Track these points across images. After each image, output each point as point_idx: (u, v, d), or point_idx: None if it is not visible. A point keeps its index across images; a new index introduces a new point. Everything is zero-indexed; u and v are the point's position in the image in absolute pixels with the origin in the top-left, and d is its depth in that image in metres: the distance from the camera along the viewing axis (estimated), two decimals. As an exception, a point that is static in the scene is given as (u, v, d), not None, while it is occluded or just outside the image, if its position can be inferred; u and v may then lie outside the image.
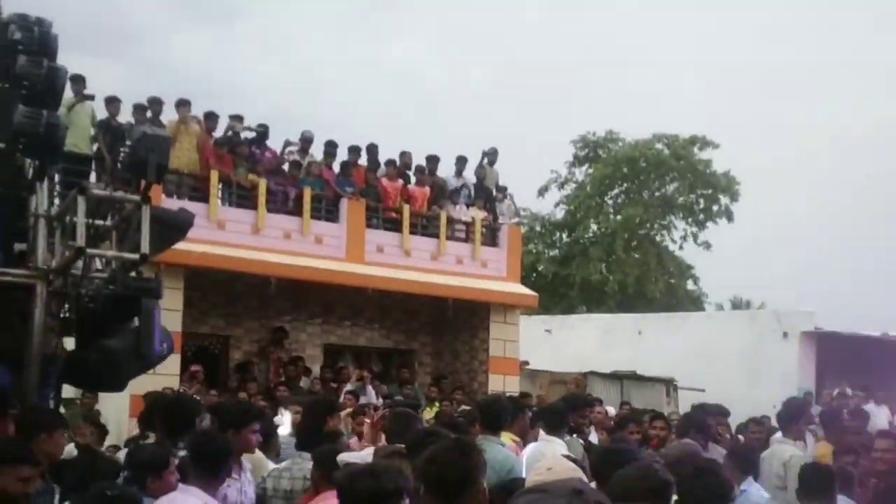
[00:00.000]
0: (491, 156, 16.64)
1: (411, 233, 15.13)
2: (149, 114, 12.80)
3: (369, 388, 13.03)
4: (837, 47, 59.07)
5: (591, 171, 34.91)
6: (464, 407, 11.14)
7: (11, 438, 4.39)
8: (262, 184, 13.61)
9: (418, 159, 15.88)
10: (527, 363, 17.65)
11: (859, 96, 57.23)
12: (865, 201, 58.59)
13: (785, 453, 6.87)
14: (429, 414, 11.71)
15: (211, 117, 13.63)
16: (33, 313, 5.83)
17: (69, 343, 6.55)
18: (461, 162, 16.25)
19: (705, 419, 7.36)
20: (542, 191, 35.09)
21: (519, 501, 1.42)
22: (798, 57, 59.03)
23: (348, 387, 12.79)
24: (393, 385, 14.47)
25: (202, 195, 13.18)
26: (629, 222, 33.08)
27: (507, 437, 6.37)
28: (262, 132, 14.27)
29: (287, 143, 14.76)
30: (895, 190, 55.73)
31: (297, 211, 14.07)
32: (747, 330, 21.18)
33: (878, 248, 49.31)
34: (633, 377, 18.49)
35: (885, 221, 48.62)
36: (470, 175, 16.33)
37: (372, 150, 15.32)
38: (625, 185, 34.67)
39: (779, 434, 7.89)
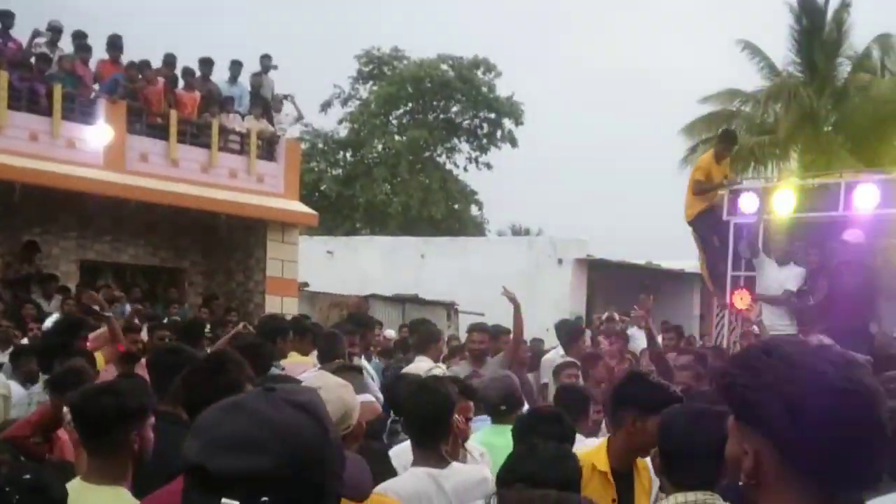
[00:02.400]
0: (267, 62, 15.60)
1: (179, 142, 13.93)
2: None
3: (127, 307, 11.76)
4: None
5: (375, 88, 34.12)
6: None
7: None
8: (3, 77, 11.98)
9: (190, 62, 14.63)
10: (306, 285, 16.94)
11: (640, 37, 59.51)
12: (637, 134, 61.70)
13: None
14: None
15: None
16: None
17: None
18: (236, 67, 15.26)
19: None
20: (325, 106, 34.06)
21: None
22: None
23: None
24: (159, 305, 13.30)
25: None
26: (414, 144, 32.69)
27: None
28: (3, 13, 12.56)
29: (35, 34, 13.12)
30: (665, 123, 58.86)
31: (46, 110, 12.49)
32: (524, 256, 21.37)
33: (646, 183, 51.87)
34: (415, 300, 18.26)
35: (652, 157, 51.25)
36: (245, 83, 15.30)
37: (116, 41, 13.80)
38: (410, 105, 34.17)
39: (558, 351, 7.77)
